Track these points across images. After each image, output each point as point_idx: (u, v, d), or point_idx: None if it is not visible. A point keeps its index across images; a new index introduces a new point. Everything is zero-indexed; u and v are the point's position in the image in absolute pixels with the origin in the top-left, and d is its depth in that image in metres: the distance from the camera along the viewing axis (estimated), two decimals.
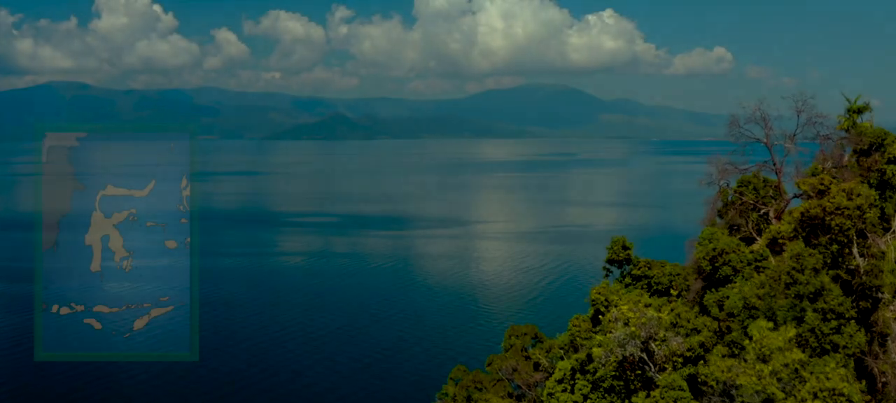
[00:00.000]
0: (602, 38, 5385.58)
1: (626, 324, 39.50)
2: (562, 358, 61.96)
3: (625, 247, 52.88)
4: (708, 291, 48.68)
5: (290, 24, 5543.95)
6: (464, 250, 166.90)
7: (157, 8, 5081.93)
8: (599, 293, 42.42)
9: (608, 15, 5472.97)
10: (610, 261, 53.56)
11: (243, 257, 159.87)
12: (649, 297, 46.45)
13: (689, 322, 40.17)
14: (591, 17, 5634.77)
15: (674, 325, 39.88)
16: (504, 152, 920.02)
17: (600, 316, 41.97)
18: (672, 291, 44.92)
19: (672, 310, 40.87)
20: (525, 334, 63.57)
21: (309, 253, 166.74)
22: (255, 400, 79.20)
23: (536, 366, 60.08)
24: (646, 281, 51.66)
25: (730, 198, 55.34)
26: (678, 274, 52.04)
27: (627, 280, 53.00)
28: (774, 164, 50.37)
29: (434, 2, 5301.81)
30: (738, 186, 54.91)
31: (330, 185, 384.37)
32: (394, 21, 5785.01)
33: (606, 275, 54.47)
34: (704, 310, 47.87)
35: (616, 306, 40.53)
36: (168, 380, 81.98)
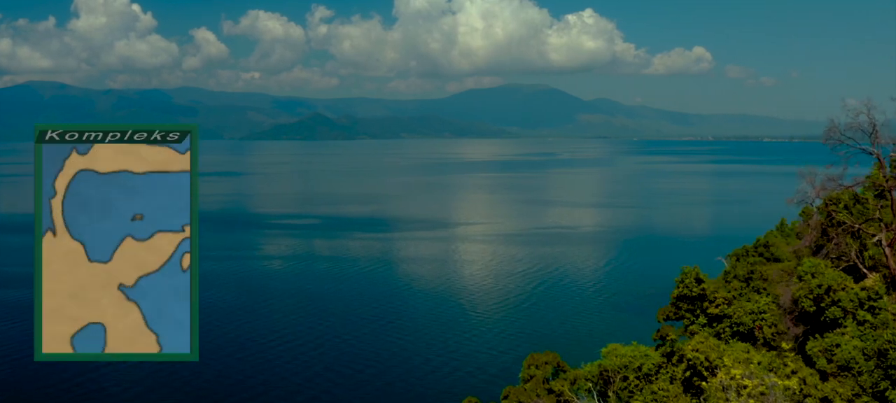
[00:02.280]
0: (582, 38, 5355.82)
1: (739, 393, 30.59)
2: (589, 391, 54.21)
3: (698, 280, 43.80)
4: (810, 337, 39.97)
5: (270, 24, 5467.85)
6: (467, 258, 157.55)
7: (135, 8, 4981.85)
8: (697, 350, 33.17)
9: (588, 15, 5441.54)
10: (680, 298, 44.43)
11: (242, 259, 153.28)
12: (744, 346, 37.55)
13: (816, 388, 31.32)
14: (570, 17, 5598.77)
15: (801, 393, 30.98)
16: (486, 152, 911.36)
17: (701, 381, 32.79)
18: (784, 345, 35.72)
19: (794, 373, 31.85)
20: (546, 363, 56.07)
21: (308, 256, 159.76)
22: (256, 401, 76.26)
23: None
24: (727, 322, 42.68)
25: (819, 220, 46.51)
26: (763, 313, 43.24)
27: (702, 319, 44.00)
28: (886, 179, 41.26)
29: (414, 2, 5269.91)
30: (827, 205, 46.04)
31: (321, 186, 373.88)
32: (374, 21, 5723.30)
33: (675, 314, 45.43)
34: (808, 362, 39.13)
35: (723, 367, 31.49)
36: (168, 380, 79.58)
